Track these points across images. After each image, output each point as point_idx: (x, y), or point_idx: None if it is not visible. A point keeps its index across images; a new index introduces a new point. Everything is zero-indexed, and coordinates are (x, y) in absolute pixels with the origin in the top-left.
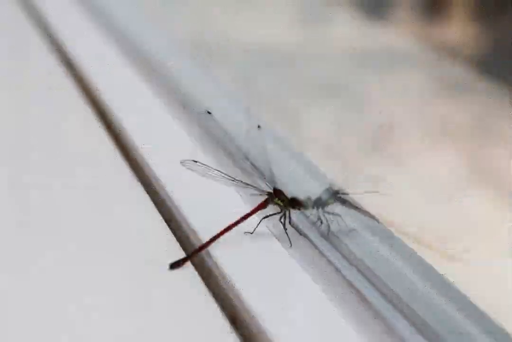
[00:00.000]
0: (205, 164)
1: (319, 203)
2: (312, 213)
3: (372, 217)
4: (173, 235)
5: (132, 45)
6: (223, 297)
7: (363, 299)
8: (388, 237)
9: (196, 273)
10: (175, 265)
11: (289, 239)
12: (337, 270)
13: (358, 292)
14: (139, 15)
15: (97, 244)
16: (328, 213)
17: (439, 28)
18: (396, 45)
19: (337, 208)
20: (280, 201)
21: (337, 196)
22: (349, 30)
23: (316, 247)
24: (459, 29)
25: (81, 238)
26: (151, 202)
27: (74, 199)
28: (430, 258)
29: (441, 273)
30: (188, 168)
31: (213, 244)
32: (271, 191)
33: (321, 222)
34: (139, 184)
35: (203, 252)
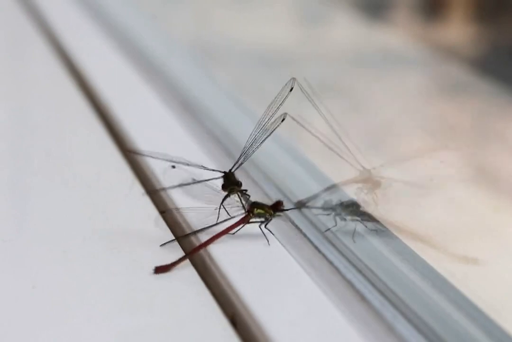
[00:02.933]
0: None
1: (339, 210)
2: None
3: (385, 229)
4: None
5: (132, 44)
6: (223, 297)
7: (363, 299)
8: (388, 237)
9: (196, 273)
10: (159, 270)
11: (266, 237)
12: (337, 270)
13: (358, 292)
14: (139, 15)
15: (95, 241)
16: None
17: (439, 28)
18: (395, 46)
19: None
20: (260, 209)
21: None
22: (349, 31)
23: (316, 247)
24: (458, 30)
25: (80, 237)
26: (153, 205)
27: (74, 198)
28: (430, 258)
29: (441, 273)
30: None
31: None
32: (248, 207)
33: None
34: (138, 182)
35: (201, 251)
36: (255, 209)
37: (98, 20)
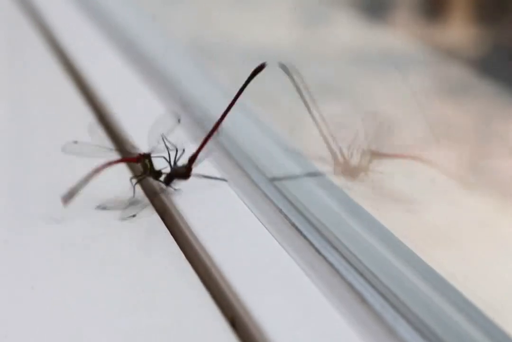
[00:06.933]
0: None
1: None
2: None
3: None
4: None
5: (131, 44)
6: (222, 299)
7: (363, 300)
8: (388, 238)
9: (195, 274)
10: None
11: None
12: (338, 272)
13: (358, 293)
14: (139, 15)
15: (95, 240)
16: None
17: (439, 29)
18: (396, 46)
19: None
20: (147, 163)
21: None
22: (349, 31)
23: (316, 249)
24: (459, 30)
25: (79, 236)
26: (154, 208)
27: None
28: (430, 258)
29: (442, 275)
30: (70, 153)
31: None
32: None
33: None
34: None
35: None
36: (147, 160)
37: (98, 20)
